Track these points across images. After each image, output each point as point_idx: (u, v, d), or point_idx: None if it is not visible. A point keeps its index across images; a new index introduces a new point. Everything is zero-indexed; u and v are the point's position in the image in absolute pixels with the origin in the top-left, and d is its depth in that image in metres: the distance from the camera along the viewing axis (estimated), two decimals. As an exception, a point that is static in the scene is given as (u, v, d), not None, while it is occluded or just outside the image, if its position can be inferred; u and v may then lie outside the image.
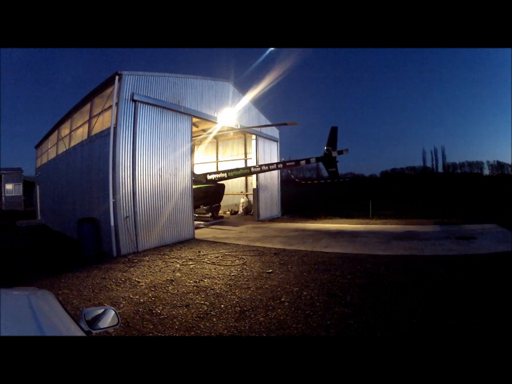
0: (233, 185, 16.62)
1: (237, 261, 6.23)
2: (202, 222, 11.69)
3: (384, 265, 5.45)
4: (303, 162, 10.34)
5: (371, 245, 7.39)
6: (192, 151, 10.00)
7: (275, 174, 14.87)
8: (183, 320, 3.56)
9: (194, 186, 9.95)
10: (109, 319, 1.54)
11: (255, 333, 3.19)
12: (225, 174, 11.47)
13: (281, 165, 10.86)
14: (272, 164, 10.86)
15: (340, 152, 9.62)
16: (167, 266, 5.97)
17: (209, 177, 11.45)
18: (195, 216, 11.11)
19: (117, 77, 7.16)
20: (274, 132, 14.81)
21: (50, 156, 13.46)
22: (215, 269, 5.69)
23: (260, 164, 11.68)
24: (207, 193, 11.33)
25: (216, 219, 12.60)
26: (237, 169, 11.55)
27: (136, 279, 5.16)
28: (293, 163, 10.59)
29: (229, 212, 16.15)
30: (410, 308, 3.61)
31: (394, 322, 3.29)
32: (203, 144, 16.68)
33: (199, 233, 9.60)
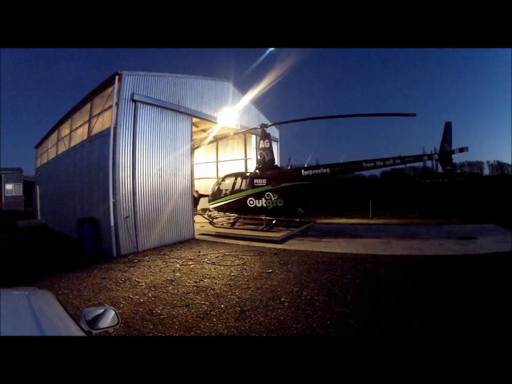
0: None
1: (237, 261, 6.22)
2: (289, 230, 9.07)
3: (384, 265, 5.45)
4: (425, 158, 9.29)
5: (371, 244, 7.38)
6: (192, 150, 9.81)
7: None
8: (183, 320, 3.55)
9: (283, 185, 8.96)
10: (109, 319, 1.54)
11: (255, 333, 3.19)
12: (328, 169, 9.05)
13: (398, 160, 9.15)
14: (388, 159, 9.00)
15: (461, 150, 8.60)
16: (167, 266, 5.97)
17: (304, 172, 9.12)
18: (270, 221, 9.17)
19: (117, 77, 7.16)
20: (274, 131, 14.80)
21: (50, 156, 13.46)
22: (215, 269, 5.69)
23: (376, 158, 9.08)
24: (299, 193, 9.11)
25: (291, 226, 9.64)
26: (343, 164, 9.14)
27: (136, 279, 5.16)
28: (412, 158, 9.07)
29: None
30: (410, 308, 3.61)
31: (394, 322, 3.28)
32: (203, 144, 16.68)
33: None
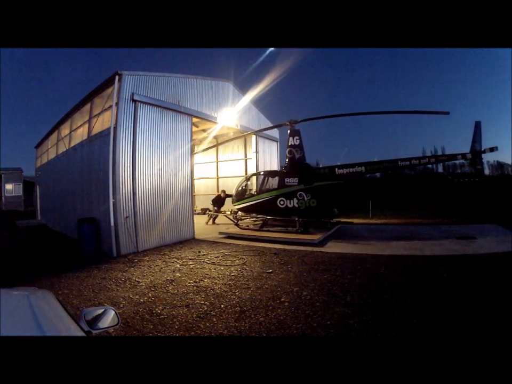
0: (233, 185, 16.62)
1: (237, 261, 6.22)
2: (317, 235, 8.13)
3: (384, 265, 5.45)
4: (458, 157, 9.09)
5: (371, 244, 7.38)
6: (192, 151, 9.73)
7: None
8: (183, 320, 3.55)
9: (316, 184, 8.43)
10: (109, 319, 1.54)
11: (255, 333, 3.19)
12: (363, 167, 8.56)
13: (433, 159, 9.06)
14: (423, 158, 8.83)
15: (492, 149, 8.42)
16: (167, 266, 5.97)
17: (338, 171, 8.64)
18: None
19: (117, 77, 7.16)
20: (274, 131, 14.81)
21: (50, 156, 13.46)
22: (215, 269, 5.69)
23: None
24: (333, 193, 8.58)
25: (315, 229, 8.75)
26: (378, 163, 8.75)
27: (136, 279, 5.16)
28: (445, 157, 8.91)
29: (229, 212, 16.14)
30: (410, 308, 3.61)
31: (394, 322, 3.28)
32: (203, 144, 16.67)
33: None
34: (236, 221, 10.06)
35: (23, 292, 1.63)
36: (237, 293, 4.37)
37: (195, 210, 13.61)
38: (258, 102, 13.45)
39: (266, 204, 8.99)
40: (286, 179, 8.73)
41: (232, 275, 5.26)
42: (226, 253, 6.90)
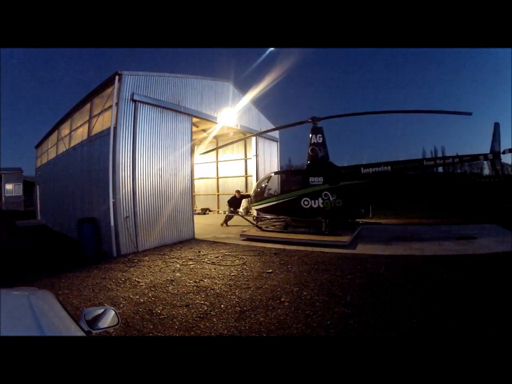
0: (233, 185, 16.63)
1: (237, 261, 6.23)
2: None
3: (384, 265, 5.45)
4: (481, 157, 8.41)
5: (371, 245, 7.38)
6: (192, 151, 9.68)
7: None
8: (183, 320, 3.55)
9: (343, 183, 8.12)
10: (109, 319, 1.54)
11: (255, 333, 3.19)
12: (389, 167, 8.27)
13: (457, 159, 8.87)
14: (447, 158, 8.75)
15: (510, 151, 8.22)
16: (167, 266, 5.97)
17: (363, 170, 8.33)
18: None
19: (117, 77, 7.16)
20: (274, 132, 14.81)
21: (50, 156, 13.47)
22: (215, 269, 5.69)
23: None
24: (360, 193, 8.24)
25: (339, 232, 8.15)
26: (404, 162, 8.49)
27: (136, 279, 5.16)
28: (469, 158, 8.71)
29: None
30: (410, 308, 3.61)
31: (394, 322, 3.28)
32: (203, 144, 16.67)
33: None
34: (255, 222, 9.64)
35: (23, 292, 1.63)
36: (237, 293, 4.37)
37: (195, 210, 13.61)
38: (258, 102, 13.46)
39: (289, 204, 8.60)
40: (310, 178, 8.38)
41: (232, 275, 5.26)
42: (226, 253, 6.90)
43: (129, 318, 3.63)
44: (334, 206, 8.11)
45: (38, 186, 16.25)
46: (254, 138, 13.24)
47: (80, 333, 1.21)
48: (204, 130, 14.65)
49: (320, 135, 8.79)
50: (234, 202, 11.90)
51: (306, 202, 8.33)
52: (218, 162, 17.27)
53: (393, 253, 6.42)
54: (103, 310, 1.56)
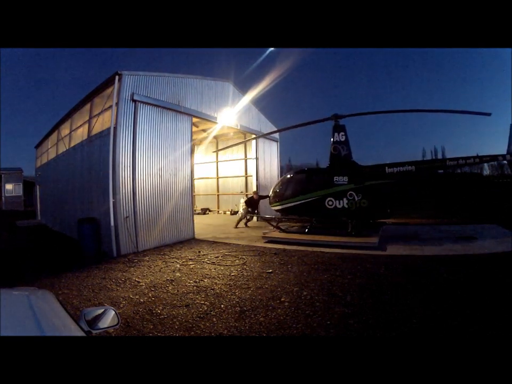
0: (233, 185, 16.64)
1: (237, 261, 6.23)
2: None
3: (384, 265, 5.45)
4: (500, 158, 8.83)
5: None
6: (192, 151, 9.63)
7: (275, 173, 14.88)
8: (183, 320, 3.55)
9: (368, 183, 7.90)
10: (109, 319, 1.54)
11: (255, 333, 3.19)
12: (413, 167, 8.11)
13: (477, 159, 8.76)
14: (469, 158, 8.50)
15: None
16: (167, 266, 5.97)
17: (388, 170, 8.13)
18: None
19: (116, 77, 7.16)
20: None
21: (50, 156, 13.47)
22: (215, 269, 5.69)
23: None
24: (386, 193, 8.02)
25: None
26: (428, 162, 8.31)
27: (136, 279, 5.16)
28: (488, 158, 8.61)
29: (228, 212, 16.16)
30: (410, 308, 3.61)
31: (394, 322, 3.28)
32: (203, 144, 16.68)
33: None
34: (275, 224, 9.38)
35: (23, 292, 1.63)
36: (237, 293, 4.37)
37: (195, 210, 13.60)
38: (258, 102, 13.47)
39: (312, 205, 8.28)
40: (334, 178, 8.12)
41: (232, 275, 5.26)
42: (226, 253, 6.90)
43: (129, 318, 3.63)
44: (359, 206, 7.89)
45: (38, 186, 16.26)
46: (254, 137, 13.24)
47: (80, 333, 1.21)
48: (204, 130, 14.65)
49: (342, 133, 8.51)
50: (251, 203, 11.42)
51: (330, 203, 8.09)
52: (218, 162, 17.27)
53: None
54: (103, 310, 1.56)
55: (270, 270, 5.43)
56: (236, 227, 11.06)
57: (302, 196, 8.49)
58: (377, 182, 8.02)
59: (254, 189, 13.15)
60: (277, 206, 9.12)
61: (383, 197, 8.04)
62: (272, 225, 9.49)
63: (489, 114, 7.72)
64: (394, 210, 9.09)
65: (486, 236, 7.68)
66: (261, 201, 11.79)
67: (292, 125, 9.72)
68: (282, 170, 18.50)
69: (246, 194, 15.93)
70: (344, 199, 7.97)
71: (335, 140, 8.54)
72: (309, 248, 6.92)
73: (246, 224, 11.41)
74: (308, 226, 8.70)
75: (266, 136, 11.96)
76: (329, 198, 8.09)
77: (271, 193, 9.55)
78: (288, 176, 9.39)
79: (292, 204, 8.64)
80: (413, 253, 6.35)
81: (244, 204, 11.65)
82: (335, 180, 8.11)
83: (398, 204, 8.86)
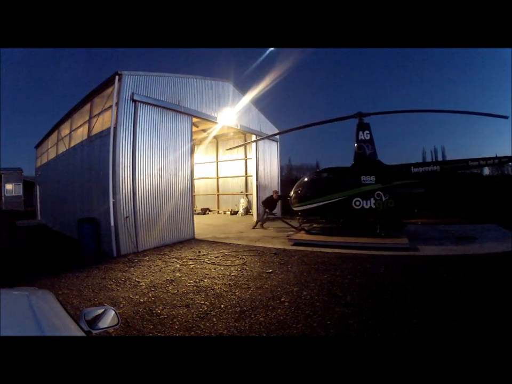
0: (233, 185, 16.65)
1: (237, 261, 6.22)
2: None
3: (384, 265, 5.45)
4: None
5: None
6: (192, 151, 9.59)
7: (275, 173, 14.87)
8: (183, 320, 3.55)
9: (395, 183, 7.71)
10: (109, 319, 1.53)
11: (255, 333, 3.19)
12: (438, 166, 7.98)
13: (497, 160, 8.56)
14: (489, 159, 8.34)
15: None
16: (167, 266, 5.97)
17: (414, 170, 7.98)
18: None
19: (116, 77, 7.16)
20: (274, 131, 14.81)
21: (50, 156, 13.47)
22: (215, 269, 5.69)
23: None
24: (413, 193, 7.88)
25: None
26: (451, 162, 8.25)
27: (136, 279, 5.16)
28: (506, 159, 8.56)
29: (228, 212, 16.16)
30: (410, 308, 3.61)
31: (394, 322, 3.28)
32: (203, 144, 16.68)
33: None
34: (299, 225, 9.05)
35: (23, 292, 1.63)
36: (237, 293, 4.37)
37: (195, 210, 13.60)
38: (258, 102, 13.46)
39: (339, 205, 7.98)
40: (362, 177, 7.90)
41: (232, 275, 5.26)
42: (226, 253, 6.90)
43: (129, 318, 3.63)
44: (386, 207, 7.70)
45: (38, 186, 16.26)
46: (253, 138, 13.24)
47: (80, 333, 1.21)
48: (204, 130, 14.66)
49: (367, 132, 8.30)
50: (270, 203, 10.95)
51: (358, 203, 7.84)
52: (218, 162, 17.28)
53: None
54: (103, 310, 1.56)
55: (270, 270, 5.43)
56: (254, 228, 10.64)
57: (328, 196, 8.13)
58: (404, 182, 7.86)
59: (255, 189, 13.15)
60: (299, 207, 8.70)
61: (410, 197, 7.87)
62: (293, 226, 9.17)
63: (506, 117, 7.59)
64: (421, 210, 8.99)
65: (486, 236, 7.68)
66: (259, 200, 11.70)
67: (300, 125, 9.50)
68: (282, 170, 18.49)
69: (246, 194, 15.94)
70: (372, 199, 7.76)
71: (359, 139, 8.27)
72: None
73: (262, 225, 10.89)
74: (332, 228, 8.40)
75: (286, 132, 11.07)
76: (356, 198, 7.84)
77: (292, 193, 9.09)
78: (312, 175, 9.06)
79: (317, 205, 8.26)
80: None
81: (262, 204, 11.15)
82: (362, 179, 7.88)
83: (424, 204, 8.67)
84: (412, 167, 8.08)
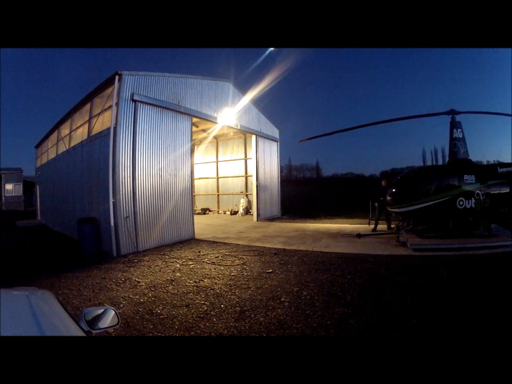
0: (233, 185, 16.65)
1: (237, 261, 6.23)
2: None
3: (384, 265, 5.45)
4: None
5: (371, 244, 7.37)
6: (192, 151, 9.58)
7: (275, 174, 14.88)
8: (183, 320, 3.55)
9: (490, 182, 7.58)
10: (109, 319, 1.53)
11: (255, 333, 3.19)
12: None
13: None
14: None
15: None
16: (167, 266, 5.97)
17: (500, 170, 7.80)
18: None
19: (116, 77, 7.16)
20: (274, 131, 14.82)
21: (50, 156, 13.47)
22: (215, 269, 5.69)
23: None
24: (505, 192, 7.63)
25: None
26: None
27: (136, 279, 5.16)
28: None
29: (228, 212, 16.17)
30: (410, 308, 3.61)
31: (394, 322, 3.28)
32: (203, 144, 16.69)
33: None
34: (395, 228, 8.47)
35: (23, 292, 1.63)
36: (237, 293, 4.37)
37: (195, 210, 13.60)
38: (258, 102, 13.47)
39: (445, 206, 7.44)
40: (464, 176, 7.59)
41: (232, 275, 5.26)
42: (226, 253, 6.90)
43: (129, 318, 3.63)
44: (483, 206, 7.57)
45: (38, 186, 16.26)
46: (253, 138, 13.24)
47: (80, 333, 1.21)
48: (204, 130, 14.66)
49: (460, 130, 8.06)
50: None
51: (461, 203, 7.49)
52: (218, 162, 17.28)
53: None
54: (103, 310, 1.56)
55: (270, 270, 5.43)
56: (374, 230, 9.35)
57: (434, 196, 7.52)
58: (496, 182, 7.79)
59: (255, 189, 13.12)
60: (401, 208, 7.73)
61: (501, 197, 7.79)
62: (392, 231, 8.57)
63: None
64: (508, 210, 8.55)
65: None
66: (259, 200, 11.58)
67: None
68: (282, 170, 18.52)
69: (246, 194, 15.95)
70: (472, 198, 7.54)
71: (454, 137, 8.00)
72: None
73: (375, 227, 9.48)
74: (431, 229, 7.88)
75: (364, 126, 9.11)
76: (460, 198, 7.50)
77: (388, 195, 8.06)
78: (413, 174, 8.33)
79: (421, 206, 7.50)
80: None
81: (375, 204, 9.49)
82: (465, 178, 7.61)
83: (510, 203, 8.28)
84: (498, 167, 8.07)
